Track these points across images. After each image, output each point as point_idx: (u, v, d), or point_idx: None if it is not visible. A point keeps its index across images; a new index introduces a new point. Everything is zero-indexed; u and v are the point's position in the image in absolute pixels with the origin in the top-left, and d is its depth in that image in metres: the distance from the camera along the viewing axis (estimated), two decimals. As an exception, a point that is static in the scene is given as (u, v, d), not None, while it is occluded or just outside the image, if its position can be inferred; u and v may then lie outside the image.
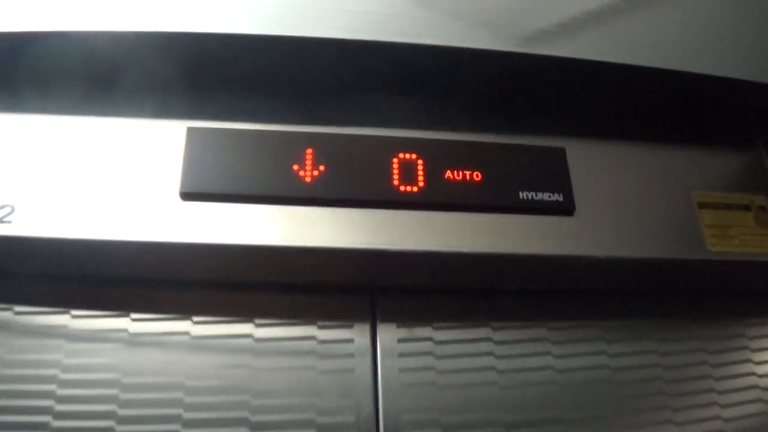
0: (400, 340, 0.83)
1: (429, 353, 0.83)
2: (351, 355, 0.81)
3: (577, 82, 0.91)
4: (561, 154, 0.88)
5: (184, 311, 0.81)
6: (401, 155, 0.83)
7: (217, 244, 0.77)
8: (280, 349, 0.81)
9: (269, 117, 0.86)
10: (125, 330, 0.80)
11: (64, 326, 0.79)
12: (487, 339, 0.85)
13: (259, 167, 0.81)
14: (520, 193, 0.84)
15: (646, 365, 0.87)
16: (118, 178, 0.79)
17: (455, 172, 0.84)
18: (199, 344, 0.80)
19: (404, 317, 0.85)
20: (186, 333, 0.80)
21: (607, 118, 0.94)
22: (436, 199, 0.82)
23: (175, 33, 0.80)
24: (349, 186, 0.81)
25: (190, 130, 0.82)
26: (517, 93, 0.92)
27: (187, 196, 0.78)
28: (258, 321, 0.82)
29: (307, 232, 0.79)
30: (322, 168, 0.81)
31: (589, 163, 0.89)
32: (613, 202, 0.87)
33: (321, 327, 0.83)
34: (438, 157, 0.84)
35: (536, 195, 0.84)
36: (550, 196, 0.84)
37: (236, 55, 0.84)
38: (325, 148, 0.83)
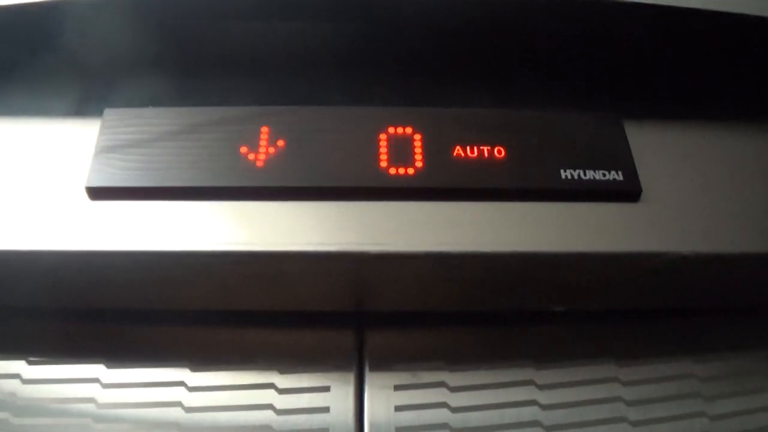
0: (397, 388, 0.61)
1: (441, 405, 0.60)
2: (326, 410, 0.59)
3: (633, 34, 0.69)
4: (616, 122, 0.65)
5: (93, 351, 0.62)
6: (390, 129, 0.63)
7: (131, 252, 0.57)
8: (225, 404, 0.59)
9: (215, 98, 0.67)
10: (18, 375, 0.61)
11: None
12: (528, 382, 0.62)
13: (196, 154, 0.61)
14: (562, 173, 0.62)
15: (758, 409, 0.63)
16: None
17: (467, 147, 0.62)
18: (115, 396, 0.60)
19: (404, 354, 0.63)
20: (96, 380, 0.60)
21: (675, 83, 0.71)
22: (440, 183, 0.60)
23: None
24: (318, 171, 0.60)
25: (107, 113, 0.63)
26: (554, 50, 0.71)
27: (96, 192, 0.59)
28: (194, 365, 0.61)
29: (262, 233, 0.58)
30: (280, 149, 0.61)
31: (653, 138, 0.66)
32: (691, 184, 0.63)
33: (284, 372, 0.61)
34: (441, 129, 0.63)
35: (585, 174, 0.62)
36: (605, 175, 0.62)
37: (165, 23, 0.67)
38: (283, 125, 0.63)
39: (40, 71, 0.69)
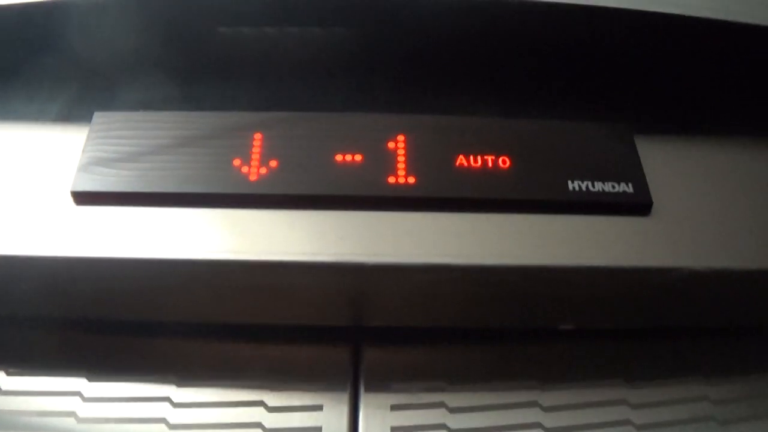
0: (394, 408, 0.58)
1: (440, 427, 0.57)
2: (318, 430, 0.57)
3: (645, 46, 0.67)
4: (626, 133, 0.63)
5: (75, 362, 0.59)
6: (391, 137, 0.61)
7: (116, 259, 0.55)
8: (211, 422, 0.57)
9: (208, 104, 0.65)
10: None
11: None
12: (533, 404, 0.59)
13: (187, 160, 0.59)
14: (570, 184, 0.59)
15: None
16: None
17: (470, 157, 0.60)
18: (96, 410, 0.57)
19: (401, 373, 0.60)
20: (77, 393, 0.58)
21: (687, 97, 0.69)
22: (442, 193, 0.58)
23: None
24: (314, 179, 0.58)
25: (96, 117, 0.62)
26: (564, 60, 0.69)
27: (82, 197, 0.57)
28: (180, 380, 0.59)
29: (254, 242, 0.56)
30: (275, 156, 0.59)
31: (664, 151, 0.64)
32: (703, 198, 0.61)
33: (274, 390, 0.59)
34: (444, 138, 0.61)
35: (593, 185, 0.59)
36: (614, 187, 0.59)
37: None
38: (279, 131, 0.61)
39: (29, 76, 0.68)
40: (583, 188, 0.60)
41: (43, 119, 0.65)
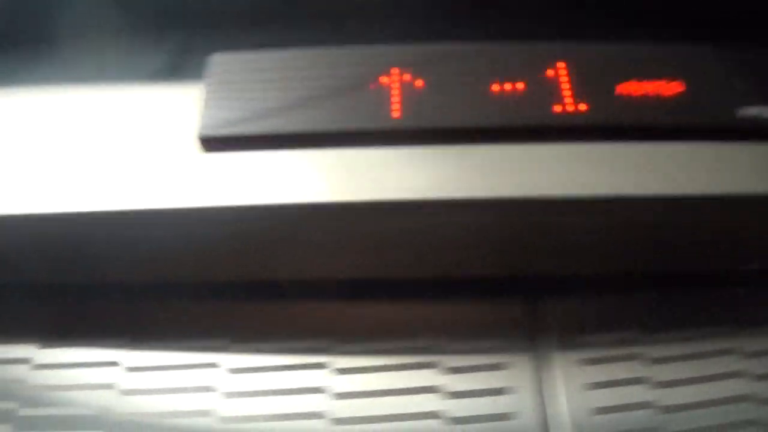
0: (585, 362, 0.51)
1: (638, 381, 0.50)
2: (502, 392, 0.49)
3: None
4: None
5: (214, 334, 0.52)
6: (549, 65, 0.55)
7: (248, 206, 0.48)
8: (384, 388, 0.49)
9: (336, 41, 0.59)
10: (116, 363, 0.51)
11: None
12: (730, 351, 0.52)
13: (322, 99, 0.53)
14: (740, 110, 0.54)
15: None
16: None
17: (637, 84, 0.55)
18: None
19: (589, 324, 0.53)
20: (216, 365, 0.51)
21: None
22: (613, 121, 0.53)
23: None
24: (470, 112, 0.52)
25: (214, 58, 0.56)
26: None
27: (209, 142, 0.50)
28: (339, 342, 0.51)
29: (402, 181, 0.49)
30: (417, 90, 0.53)
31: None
32: None
33: (448, 352, 0.51)
34: (607, 65, 0.56)
35: (765, 111, 0.55)
36: (788, 113, 0.55)
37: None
38: (421, 64, 0.55)
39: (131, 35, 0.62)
40: (755, 114, 0.55)
41: (144, 76, 0.59)
